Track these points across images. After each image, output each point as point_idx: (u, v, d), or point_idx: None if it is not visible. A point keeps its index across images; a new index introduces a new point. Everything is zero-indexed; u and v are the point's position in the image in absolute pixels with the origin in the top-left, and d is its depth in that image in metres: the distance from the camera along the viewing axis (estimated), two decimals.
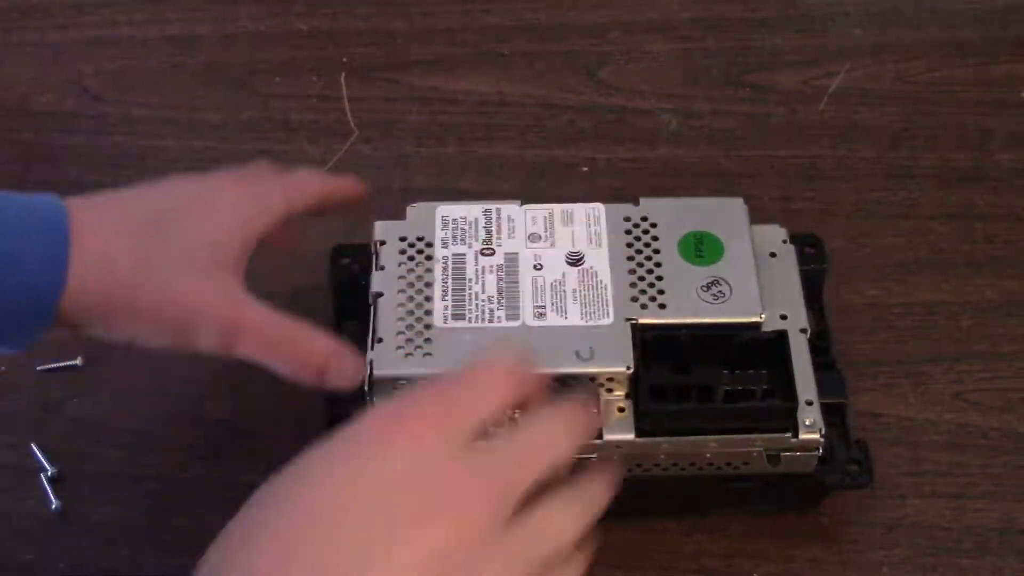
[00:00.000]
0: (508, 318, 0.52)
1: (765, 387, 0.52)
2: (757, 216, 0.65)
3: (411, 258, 0.54)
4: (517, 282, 0.53)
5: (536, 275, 0.53)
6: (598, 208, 0.56)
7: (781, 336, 0.53)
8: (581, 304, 0.52)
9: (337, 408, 0.55)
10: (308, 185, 0.54)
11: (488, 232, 0.55)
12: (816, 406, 0.52)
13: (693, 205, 0.56)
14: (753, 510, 0.56)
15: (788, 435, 0.52)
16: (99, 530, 0.57)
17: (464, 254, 0.54)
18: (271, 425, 0.59)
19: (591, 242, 0.54)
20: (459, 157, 0.70)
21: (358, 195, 0.56)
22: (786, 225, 0.65)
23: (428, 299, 0.53)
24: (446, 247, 0.54)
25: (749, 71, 0.73)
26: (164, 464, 0.58)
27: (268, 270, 0.63)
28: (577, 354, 0.51)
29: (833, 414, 0.55)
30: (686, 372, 0.53)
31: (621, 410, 0.52)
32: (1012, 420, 0.60)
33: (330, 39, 0.75)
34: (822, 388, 0.54)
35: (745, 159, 0.69)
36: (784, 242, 0.57)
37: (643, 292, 0.53)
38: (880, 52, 0.74)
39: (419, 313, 0.52)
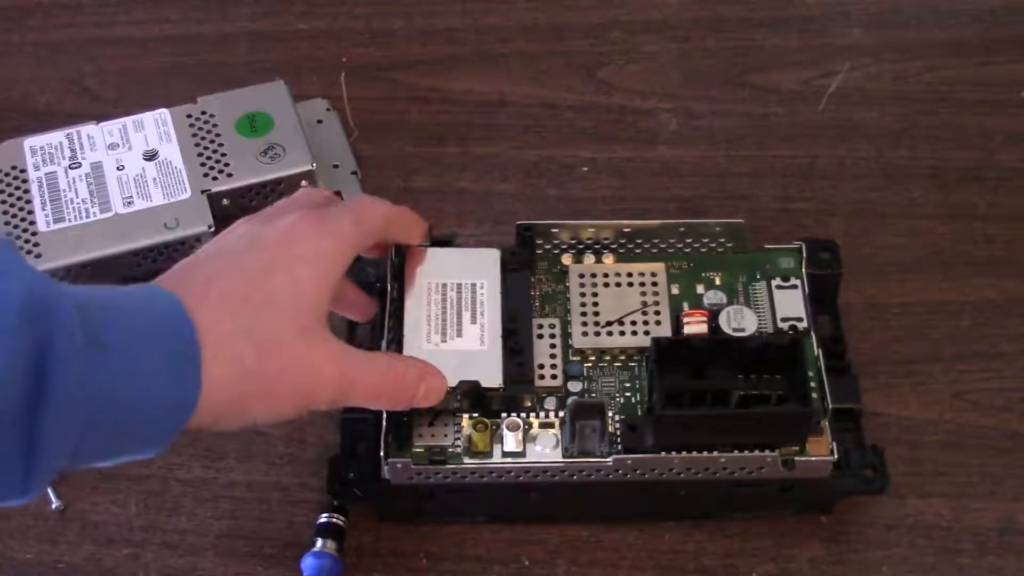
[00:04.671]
0: (102, 211, 0.62)
1: (780, 392, 0.52)
2: (757, 215, 0.66)
3: (8, 184, 0.63)
4: (105, 183, 0.62)
5: (120, 174, 0.63)
6: (164, 113, 0.65)
7: (796, 342, 0.53)
8: (162, 188, 0.62)
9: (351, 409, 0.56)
10: (373, 210, 0.53)
11: (72, 151, 0.64)
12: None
13: (242, 93, 0.67)
14: (768, 515, 0.56)
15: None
16: (99, 530, 0.57)
17: (55, 171, 0.63)
18: (271, 425, 0.59)
19: (162, 140, 0.64)
20: (459, 157, 0.70)
21: (422, 228, 0.56)
22: (786, 225, 0.66)
23: (30, 212, 0.62)
24: (38, 169, 0.63)
25: (749, 71, 0.73)
26: (164, 464, 0.58)
27: None
28: (165, 225, 0.61)
29: (847, 419, 0.56)
30: (701, 378, 0.53)
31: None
32: (1012, 420, 0.60)
33: (330, 39, 0.75)
34: (836, 393, 0.54)
35: (745, 159, 0.69)
36: (327, 110, 0.70)
37: (212, 167, 0.64)
38: (880, 52, 0.74)
39: (24, 225, 0.61)
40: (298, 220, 0.50)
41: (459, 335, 0.55)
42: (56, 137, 0.65)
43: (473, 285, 0.56)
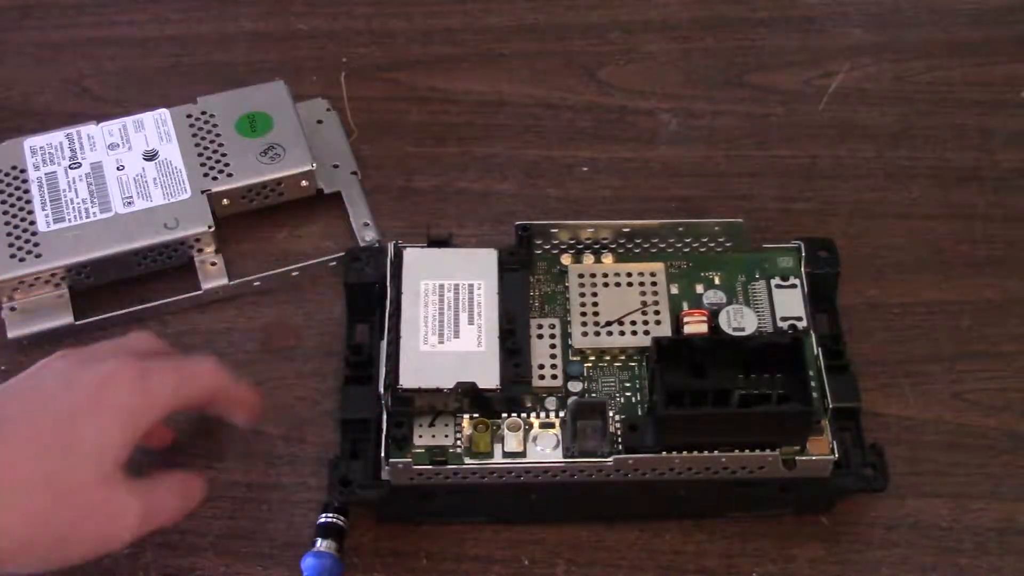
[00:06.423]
0: (102, 211, 0.62)
1: (780, 392, 0.52)
2: (757, 215, 0.66)
3: (8, 185, 0.63)
4: (105, 183, 0.63)
5: (120, 174, 0.63)
6: (164, 113, 0.66)
7: (796, 341, 0.53)
8: (162, 188, 0.63)
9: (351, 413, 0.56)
10: (200, 381, 0.54)
11: (72, 151, 0.64)
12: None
13: (242, 93, 0.67)
14: (768, 514, 0.56)
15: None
16: None
17: (55, 171, 0.63)
18: (271, 425, 0.59)
19: (162, 140, 0.64)
20: (459, 157, 0.70)
21: (252, 412, 0.56)
22: (786, 225, 0.66)
23: (30, 212, 0.62)
24: (38, 169, 0.64)
25: (749, 71, 0.73)
26: (164, 464, 0.58)
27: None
28: (165, 225, 0.61)
29: (847, 418, 0.56)
30: (702, 377, 0.53)
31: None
32: (1012, 420, 0.60)
33: (330, 39, 0.75)
34: (836, 392, 0.54)
35: (745, 159, 0.69)
36: (327, 110, 0.69)
37: (212, 167, 0.64)
38: (880, 52, 0.74)
39: (24, 225, 0.62)
40: (116, 370, 0.51)
41: (456, 336, 0.55)
42: (56, 137, 0.65)
43: (470, 286, 0.56)
